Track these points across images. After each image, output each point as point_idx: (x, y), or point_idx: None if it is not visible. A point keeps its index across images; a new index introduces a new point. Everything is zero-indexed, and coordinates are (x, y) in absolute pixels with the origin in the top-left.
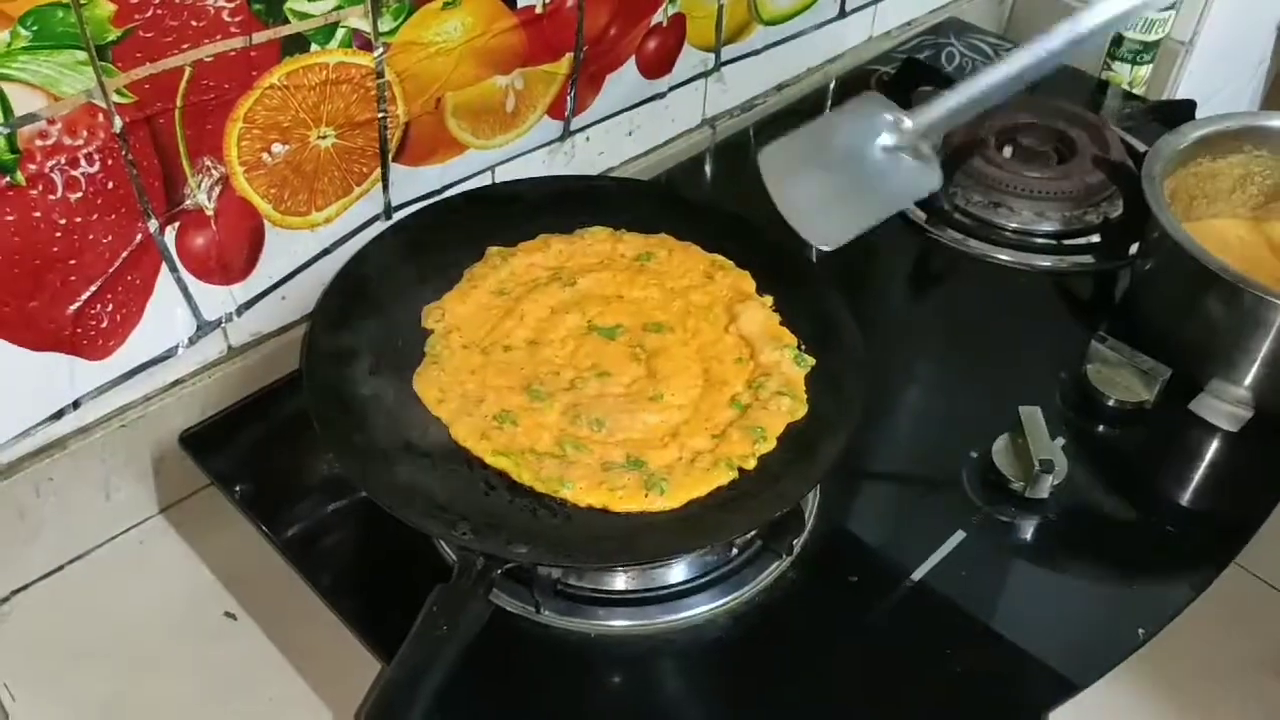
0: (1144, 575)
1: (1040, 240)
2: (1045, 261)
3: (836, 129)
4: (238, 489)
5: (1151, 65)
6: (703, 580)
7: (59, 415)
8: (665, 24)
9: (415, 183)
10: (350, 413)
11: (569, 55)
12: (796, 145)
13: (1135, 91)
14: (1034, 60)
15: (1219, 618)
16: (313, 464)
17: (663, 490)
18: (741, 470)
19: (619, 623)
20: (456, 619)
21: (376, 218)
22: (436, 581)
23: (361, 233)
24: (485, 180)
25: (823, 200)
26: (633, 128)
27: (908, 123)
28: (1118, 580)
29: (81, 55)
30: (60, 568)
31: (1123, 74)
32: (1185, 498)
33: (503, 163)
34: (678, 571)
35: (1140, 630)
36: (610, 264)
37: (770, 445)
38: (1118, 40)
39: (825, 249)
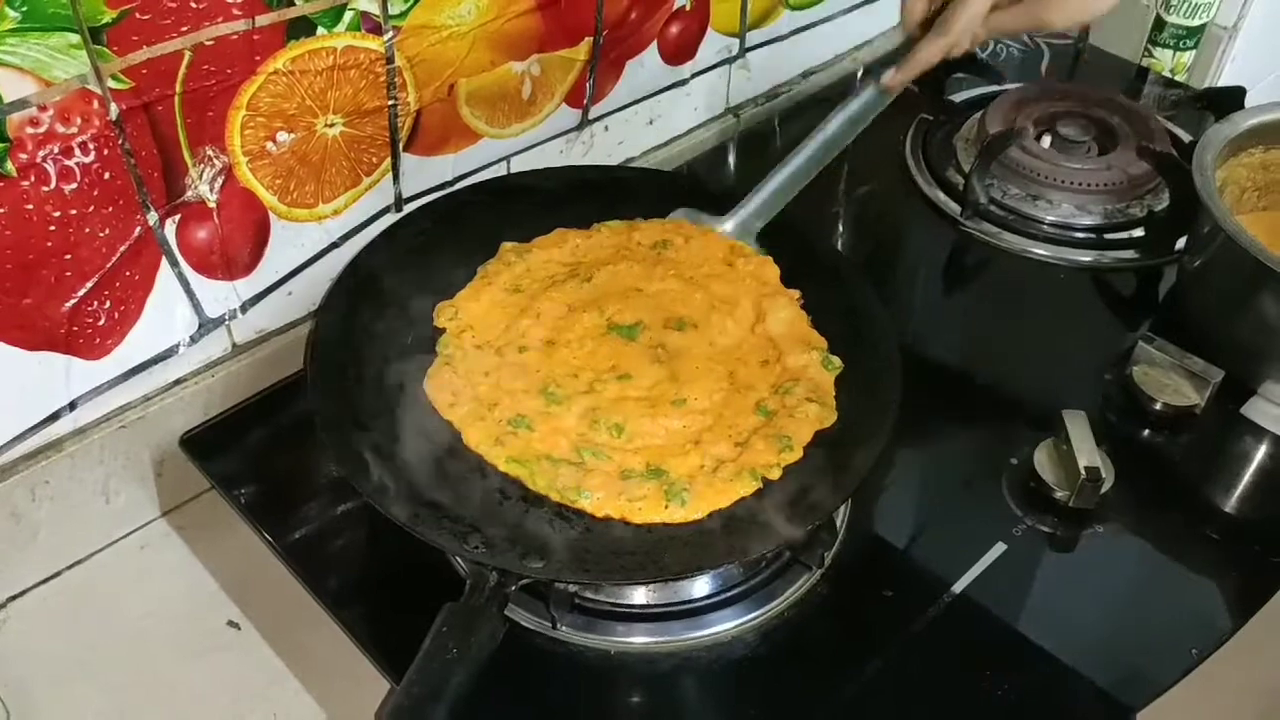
0: (1196, 590)
1: (1080, 235)
2: (1086, 257)
3: None
4: (240, 493)
5: (1194, 51)
6: (728, 594)
7: (54, 417)
8: (688, 8)
9: (427, 173)
10: (356, 416)
11: (588, 40)
12: None
13: (1177, 79)
14: (832, 138)
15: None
16: (320, 467)
17: (684, 501)
18: (766, 480)
19: (640, 639)
20: (468, 640)
21: (387, 209)
22: (450, 591)
23: (371, 225)
24: (500, 171)
25: None
26: (653, 116)
27: (725, 226)
28: (1168, 596)
29: (74, 38)
30: (58, 573)
31: (1164, 60)
32: (1238, 508)
33: (518, 153)
34: (702, 585)
35: (1194, 650)
36: (627, 254)
37: (797, 455)
38: (1159, 26)
39: None
